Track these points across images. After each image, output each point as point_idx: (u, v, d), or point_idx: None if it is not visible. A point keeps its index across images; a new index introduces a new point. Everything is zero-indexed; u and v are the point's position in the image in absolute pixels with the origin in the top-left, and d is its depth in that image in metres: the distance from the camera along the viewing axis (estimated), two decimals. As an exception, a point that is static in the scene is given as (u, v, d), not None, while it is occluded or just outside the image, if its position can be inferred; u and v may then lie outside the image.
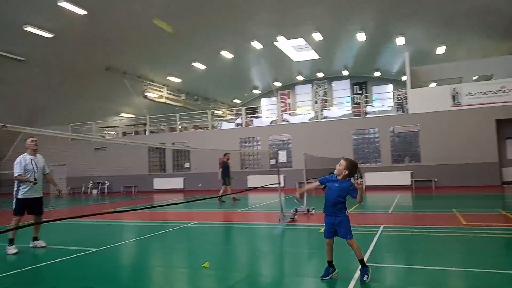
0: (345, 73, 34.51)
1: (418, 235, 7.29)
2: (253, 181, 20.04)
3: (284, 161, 21.14)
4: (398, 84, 32.12)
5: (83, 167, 23.62)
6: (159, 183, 23.59)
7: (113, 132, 29.25)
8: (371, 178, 18.70)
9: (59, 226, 9.19)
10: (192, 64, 27.58)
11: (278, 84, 37.00)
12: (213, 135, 23.68)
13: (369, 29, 23.67)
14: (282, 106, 32.81)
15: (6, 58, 20.26)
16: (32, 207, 6.80)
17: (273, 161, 21.51)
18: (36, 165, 6.79)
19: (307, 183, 10.69)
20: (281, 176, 11.18)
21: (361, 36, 24.10)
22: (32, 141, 6.83)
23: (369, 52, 28.59)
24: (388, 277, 4.81)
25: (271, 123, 24.40)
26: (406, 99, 20.71)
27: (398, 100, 22.04)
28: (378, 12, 21.79)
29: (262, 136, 22.47)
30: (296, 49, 27.78)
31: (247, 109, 25.61)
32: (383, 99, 30.24)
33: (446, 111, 18.73)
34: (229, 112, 34.32)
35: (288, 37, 24.49)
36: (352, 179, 4.56)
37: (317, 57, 29.04)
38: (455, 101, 18.82)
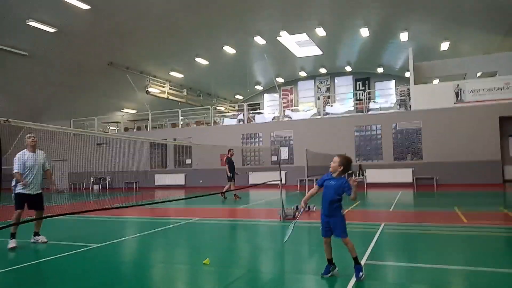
0: (348, 69, 34.37)
1: (419, 233, 7.27)
2: (255, 177, 20.06)
3: (286, 158, 21.12)
4: (401, 80, 31.98)
5: (84, 162, 23.67)
6: (161, 179, 23.62)
7: (115, 128, 29.27)
8: (372, 175, 18.67)
9: (60, 221, 9.21)
10: (195, 59, 27.53)
11: (280, 80, 36.89)
12: (215, 131, 23.66)
13: (372, 24, 23.54)
14: (284, 102, 32.76)
15: (9, 53, 20.29)
16: (32, 202, 6.82)
17: (274, 158, 21.50)
18: (35, 161, 6.78)
19: (309, 179, 10.70)
20: (283, 173, 11.16)
21: (364, 32, 23.96)
22: (30, 137, 6.82)
23: (372, 48, 28.45)
24: (388, 275, 4.80)
25: (273, 120, 24.36)
26: (409, 95, 20.62)
27: (401, 97, 21.94)
28: (381, 7, 21.66)
29: (264, 133, 22.44)
30: (299, 45, 27.67)
31: (249, 105, 25.56)
32: (386, 95, 30.14)
33: (449, 108, 18.64)
34: (231, 108, 34.28)
35: (291, 32, 24.39)
36: (347, 175, 4.57)
37: (320, 52, 28.92)
38: (459, 98, 18.72)
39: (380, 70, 33.40)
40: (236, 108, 31.95)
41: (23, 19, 18.08)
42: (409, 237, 7.00)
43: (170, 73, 29.20)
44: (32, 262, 5.83)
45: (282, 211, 9.07)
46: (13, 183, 6.78)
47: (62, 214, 5.35)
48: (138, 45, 23.85)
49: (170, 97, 29.47)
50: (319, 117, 22.47)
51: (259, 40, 24.91)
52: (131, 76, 26.31)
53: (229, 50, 26.45)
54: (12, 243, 6.53)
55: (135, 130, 27.84)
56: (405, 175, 18.35)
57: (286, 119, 24.03)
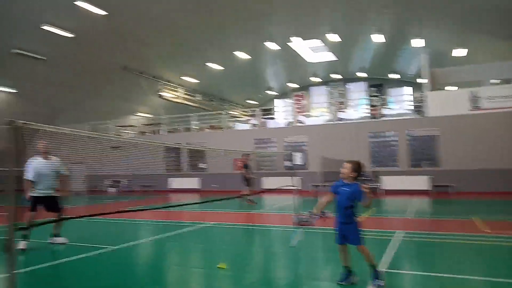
0: (362, 74, 34.24)
1: (435, 242, 7.18)
2: (268, 182, 20.04)
3: (300, 163, 21.07)
4: (416, 86, 31.71)
5: (100, 165, 23.98)
6: (175, 182, 23.78)
7: (130, 132, 29.64)
8: (388, 182, 18.48)
9: (77, 223, 9.34)
10: (208, 64, 27.77)
11: (293, 85, 36.93)
12: (228, 136, 23.74)
13: (386, 30, 23.43)
14: (297, 108, 32.73)
15: (28, 58, 20.76)
16: (47, 205, 6.91)
17: (288, 163, 21.47)
18: (48, 169, 6.85)
19: (322, 186, 10.65)
20: (297, 178, 11.14)
21: (378, 38, 23.86)
22: (42, 144, 6.89)
23: (386, 54, 28.31)
24: (404, 284, 4.76)
25: (287, 125, 24.37)
26: (424, 102, 20.41)
27: (416, 103, 21.73)
28: (395, 13, 21.58)
29: (277, 138, 22.44)
30: (312, 50, 27.70)
31: (262, 110, 25.63)
32: (400, 101, 29.90)
33: (466, 114, 18.38)
34: (244, 113, 34.41)
35: (304, 38, 24.45)
36: (360, 182, 4.55)
37: (333, 58, 28.91)
38: (475, 105, 18.46)
39: (394, 76, 33.19)
40: (249, 112, 32.04)
41: (40, 24, 18.49)
42: (425, 246, 6.92)
43: (183, 78, 29.49)
44: (51, 263, 5.94)
45: (296, 217, 9.05)
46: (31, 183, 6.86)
47: (80, 216, 5.45)
48: (152, 50, 24.20)
49: (184, 101, 29.76)
50: (333, 123, 22.38)
51: (272, 45, 25.00)
52: (145, 80, 26.66)
53: (241, 55, 26.61)
54: (21, 245, 6.51)
55: (149, 134, 28.12)
56: (421, 182, 18.10)
57: (299, 124, 24.00)
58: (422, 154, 19.19)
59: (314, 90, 37.75)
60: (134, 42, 22.44)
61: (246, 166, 14.52)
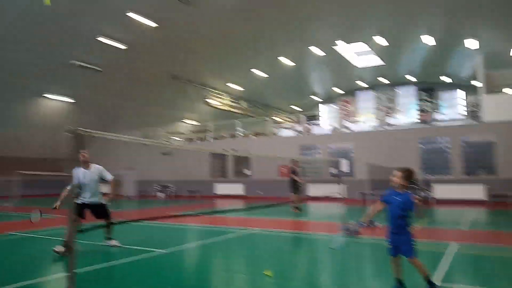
0: (411, 78, 33.06)
1: (493, 255, 6.75)
2: (313, 190, 19.83)
3: (346, 171, 20.66)
4: (469, 89, 30.12)
5: (150, 171, 24.98)
6: (221, 188, 24.17)
7: (178, 138, 30.61)
8: (440, 191, 17.64)
9: (129, 227, 9.74)
10: (252, 71, 28.12)
11: (338, 90, 36.41)
12: (273, 142, 23.81)
13: (437, 32, 22.51)
14: (343, 113, 32.22)
15: (86, 69, 22.13)
16: (94, 211, 7.15)
17: (333, 170, 21.13)
18: (89, 178, 7.06)
19: (370, 194, 10.39)
20: (343, 186, 10.94)
21: (428, 40, 22.97)
22: (81, 154, 6.99)
23: (437, 56, 27.16)
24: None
25: (332, 131, 24.04)
26: (479, 106, 19.34)
27: (470, 108, 20.63)
28: (446, 14, 20.66)
29: (322, 144, 22.19)
30: (358, 54, 27.21)
31: (307, 116, 25.49)
32: (453, 106, 28.54)
33: (526, 119, 17.20)
34: (289, 119, 34.39)
35: (349, 42, 24.09)
36: (411, 193, 4.40)
37: (380, 62, 28.20)
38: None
39: (446, 79, 31.73)
40: (293, 119, 31.96)
41: (98, 37, 19.68)
42: (482, 259, 6.53)
43: (229, 85, 30.05)
44: (105, 265, 6.25)
45: (343, 225, 8.88)
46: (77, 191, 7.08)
47: (133, 220, 5.72)
48: (199, 58, 24.92)
49: (229, 108, 30.30)
50: (381, 128, 21.77)
51: (316, 50, 24.84)
52: (192, 88, 27.48)
53: (285, 61, 26.68)
54: (58, 247, 6.67)
55: (196, 140, 28.86)
56: (476, 191, 17.09)
57: (345, 130, 23.58)
58: (477, 161, 18.13)
59: (360, 94, 36.99)
60: (182, 51, 23.24)
61: (294, 172, 14.44)
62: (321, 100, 38.61)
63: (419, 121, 24.23)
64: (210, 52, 24.36)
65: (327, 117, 35.23)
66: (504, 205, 16.03)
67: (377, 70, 31.24)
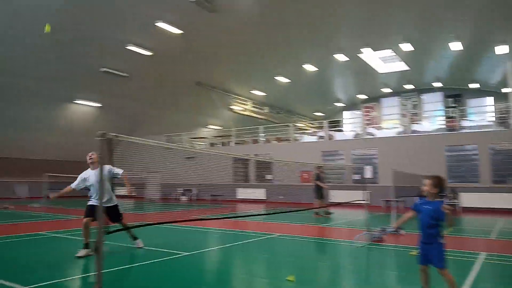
0: (437, 84, 32.35)
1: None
2: (336, 196, 19.61)
3: (370, 177, 20.37)
4: (498, 96, 29.24)
5: (174, 175, 25.29)
6: (242, 192, 24.27)
7: (202, 143, 30.95)
8: (467, 199, 17.16)
9: (154, 229, 9.91)
10: (276, 78, 28.16)
11: (362, 96, 36.01)
12: (295, 148, 23.75)
13: (465, 37, 21.97)
14: (366, 120, 31.82)
15: (113, 75, 22.74)
16: (107, 214, 6.72)
17: (357, 176, 20.87)
18: (96, 178, 6.79)
19: (395, 201, 10.22)
20: (366, 192, 10.79)
21: (455, 46, 22.44)
22: (88, 155, 7.02)
23: (465, 62, 26.50)
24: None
25: (355, 137, 23.77)
26: (509, 113, 18.75)
27: (499, 114, 20.03)
28: (474, 20, 20.15)
29: (345, 150, 21.97)
30: (383, 60, 26.87)
31: (329, 122, 25.32)
32: (481, 112, 27.73)
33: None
34: (311, 125, 34.24)
35: (375, 48, 23.80)
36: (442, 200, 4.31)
37: (406, 68, 27.74)
38: None
39: (474, 85, 30.89)
40: (316, 125, 31.80)
41: (124, 44, 20.21)
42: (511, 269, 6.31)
43: (252, 92, 30.20)
44: (130, 265, 6.38)
45: (367, 232, 8.77)
46: (89, 194, 7.17)
47: (158, 223, 5.83)
48: (223, 65, 25.18)
49: (252, 114, 30.44)
50: (406, 135, 21.39)
51: (341, 57, 24.67)
52: (216, 94, 27.77)
53: (309, 68, 26.59)
54: (80, 252, 6.70)
55: (219, 145, 29.11)
56: (506, 200, 16.51)
57: (369, 136, 23.27)
58: (506, 169, 17.55)
59: (385, 101, 36.46)
60: (206, 58, 23.55)
61: (318, 178, 14.41)
62: (345, 106, 38.28)
63: (445, 127, 23.68)
64: (234, 60, 24.57)
65: (351, 123, 34.85)
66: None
67: (402, 76, 30.75)
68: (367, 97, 36.20)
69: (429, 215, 4.18)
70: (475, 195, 17.29)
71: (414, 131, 21.93)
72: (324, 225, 12.14)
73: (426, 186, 4.29)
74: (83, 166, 7.45)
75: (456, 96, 32.71)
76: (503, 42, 21.72)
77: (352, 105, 37.99)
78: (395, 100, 35.77)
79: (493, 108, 27.56)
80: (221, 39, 21.50)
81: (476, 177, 18.11)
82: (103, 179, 7.00)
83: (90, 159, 7.00)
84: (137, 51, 20.85)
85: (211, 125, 34.33)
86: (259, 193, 23.62)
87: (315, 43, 23.55)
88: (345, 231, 11.21)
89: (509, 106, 18.80)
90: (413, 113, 30.42)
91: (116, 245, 7.48)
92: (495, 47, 22.14)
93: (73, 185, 7.11)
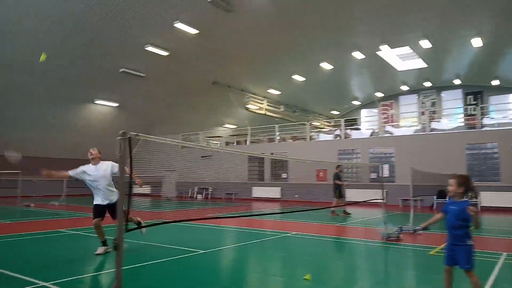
0: (457, 82, 31.67)
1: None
2: (352, 194, 19.44)
3: (387, 175, 20.12)
4: (522, 93, 28.44)
5: (190, 173, 25.53)
6: (257, 191, 24.29)
7: (217, 142, 31.08)
8: (488, 198, 16.78)
9: (169, 227, 10.00)
10: (292, 76, 28.04)
11: (380, 94, 35.56)
12: (311, 147, 23.63)
13: (486, 33, 21.42)
14: (384, 118, 31.40)
15: (130, 75, 23.05)
16: (112, 212, 6.88)
17: (373, 175, 20.64)
18: (97, 173, 6.91)
19: (414, 199, 10.06)
20: (384, 191, 10.66)
21: (476, 42, 21.92)
22: (89, 151, 7.10)
23: (486, 59, 25.85)
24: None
25: (371, 135, 23.50)
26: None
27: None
28: (496, 16, 19.61)
29: (362, 149, 21.75)
30: (401, 58, 26.44)
31: (346, 121, 25.08)
32: (502, 110, 27.03)
33: None
34: (327, 124, 34.00)
35: (393, 46, 23.43)
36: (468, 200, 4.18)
37: (425, 65, 27.24)
38: None
39: (495, 82, 30.13)
40: (332, 123, 31.56)
41: (143, 45, 20.44)
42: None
43: (268, 90, 30.14)
44: (147, 263, 6.45)
45: (384, 231, 8.66)
46: (93, 192, 7.13)
47: (175, 221, 5.88)
48: (239, 64, 25.20)
49: (268, 113, 30.38)
50: (424, 133, 21.02)
51: (358, 55, 24.38)
52: (232, 93, 27.83)
53: (326, 66, 26.37)
54: (99, 250, 6.82)
55: (235, 144, 29.20)
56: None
57: (387, 135, 22.96)
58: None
59: (403, 99, 35.89)
60: (222, 58, 23.61)
61: (337, 177, 14.39)
62: (362, 104, 37.87)
63: (465, 125, 23.19)
64: (251, 59, 24.56)
65: (368, 122, 34.43)
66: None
67: (420, 74, 30.20)
68: (384, 95, 35.72)
69: (455, 215, 4.06)
70: (494, 194, 16.93)
71: (433, 129, 21.53)
72: (340, 224, 12.05)
73: (451, 185, 4.17)
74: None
75: (476, 94, 31.96)
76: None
77: (369, 103, 37.56)
78: (414, 97, 35.19)
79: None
80: (237, 39, 21.51)
81: (497, 175, 17.70)
82: (108, 176, 6.97)
83: (91, 155, 7.09)
84: (155, 51, 21.07)
85: (227, 124, 34.43)
86: (274, 192, 23.60)
87: (332, 41, 23.33)
88: (362, 230, 11.10)
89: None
90: (431, 111, 29.86)
91: (133, 242, 7.57)
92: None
93: (70, 172, 7.06)
